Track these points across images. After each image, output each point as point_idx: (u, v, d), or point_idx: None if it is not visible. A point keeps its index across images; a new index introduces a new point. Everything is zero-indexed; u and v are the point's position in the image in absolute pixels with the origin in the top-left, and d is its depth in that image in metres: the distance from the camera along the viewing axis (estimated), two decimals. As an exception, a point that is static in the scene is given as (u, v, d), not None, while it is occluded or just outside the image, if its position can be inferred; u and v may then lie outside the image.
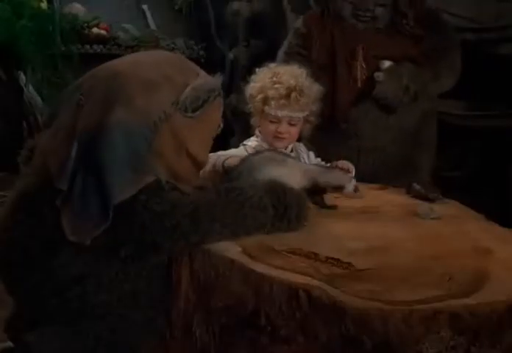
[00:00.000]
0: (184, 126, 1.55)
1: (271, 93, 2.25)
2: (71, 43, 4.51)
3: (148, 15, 5.08)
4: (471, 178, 3.20)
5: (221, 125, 1.74)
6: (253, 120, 2.42)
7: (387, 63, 2.71)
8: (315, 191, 1.90)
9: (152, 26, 5.10)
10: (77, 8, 4.72)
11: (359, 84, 2.72)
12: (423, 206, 1.89)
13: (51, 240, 1.46)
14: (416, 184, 2.12)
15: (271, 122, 2.32)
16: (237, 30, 4.44)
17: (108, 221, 1.41)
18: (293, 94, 2.25)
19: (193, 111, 1.56)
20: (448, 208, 1.98)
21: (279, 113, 2.27)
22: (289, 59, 2.78)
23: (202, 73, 1.65)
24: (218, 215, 1.50)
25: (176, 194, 1.49)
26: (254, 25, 4.36)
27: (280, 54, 2.97)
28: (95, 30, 4.68)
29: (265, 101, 2.27)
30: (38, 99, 4.32)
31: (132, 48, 4.82)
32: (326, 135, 2.74)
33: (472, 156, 3.12)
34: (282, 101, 2.24)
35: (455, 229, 1.74)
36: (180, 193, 1.50)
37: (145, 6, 5.09)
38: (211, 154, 2.00)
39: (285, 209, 1.60)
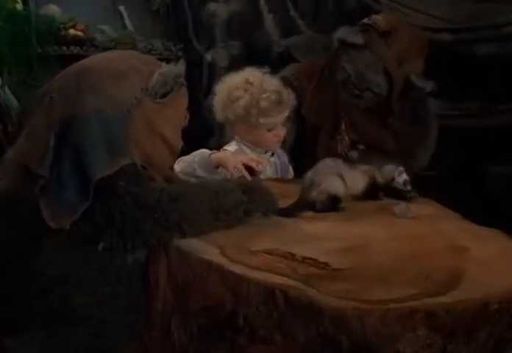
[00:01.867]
0: (154, 111, 1.62)
1: (263, 104, 2.24)
2: (47, 45, 4.46)
3: (125, 16, 5.05)
4: (448, 177, 3.22)
5: (188, 116, 1.79)
6: (231, 132, 2.42)
7: (360, 146, 2.62)
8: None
9: (129, 27, 5.07)
10: (53, 9, 4.67)
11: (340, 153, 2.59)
12: (400, 205, 1.90)
13: (31, 240, 1.47)
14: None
15: (269, 130, 2.32)
16: (214, 31, 4.43)
17: (87, 202, 1.44)
18: (284, 95, 2.26)
19: (162, 97, 1.63)
20: (425, 207, 1.99)
21: (277, 119, 2.28)
22: None
23: (164, 64, 1.71)
24: (195, 196, 1.56)
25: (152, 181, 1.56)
26: (232, 26, 4.35)
27: None
28: (71, 31, 4.63)
29: (262, 113, 2.26)
30: (14, 101, 4.28)
31: (109, 50, 4.79)
32: None
33: (449, 155, 3.13)
34: (279, 107, 2.26)
35: (432, 228, 1.75)
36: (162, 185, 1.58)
37: (122, 8, 5.06)
38: (182, 158, 2.01)
39: (248, 187, 1.69)
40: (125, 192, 1.46)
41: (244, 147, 2.41)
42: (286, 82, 2.55)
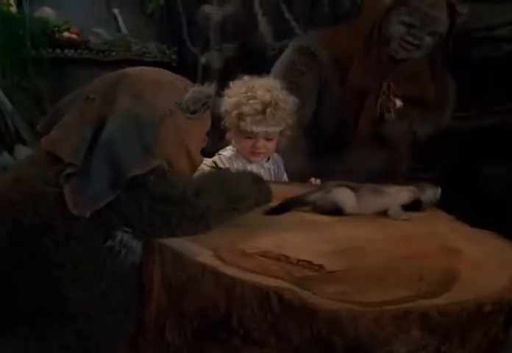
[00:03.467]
0: (184, 125, 1.68)
1: (246, 109, 2.23)
2: (42, 47, 4.47)
3: (120, 19, 5.05)
4: (443, 179, 3.23)
5: (207, 139, 1.84)
6: (228, 135, 2.41)
7: (398, 103, 2.67)
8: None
9: (124, 30, 5.07)
10: (47, 12, 4.67)
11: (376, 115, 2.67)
12: (394, 207, 1.90)
13: (47, 222, 1.49)
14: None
15: (248, 138, 2.31)
16: (208, 34, 4.44)
17: (114, 195, 1.49)
18: (269, 109, 2.23)
19: (192, 113, 1.69)
20: (419, 209, 1.99)
21: (255, 129, 2.26)
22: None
23: (196, 84, 1.77)
24: (214, 189, 1.64)
25: (181, 180, 1.62)
26: (226, 28, 4.36)
27: (277, 70, 2.83)
28: (66, 34, 4.63)
29: (241, 117, 2.25)
30: (8, 104, 4.28)
31: (104, 53, 4.79)
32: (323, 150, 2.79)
33: (443, 157, 3.15)
34: (258, 117, 2.23)
35: (425, 230, 1.76)
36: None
37: (116, 11, 5.06)
38: None
39: (256, 178, 1.81)
40: (153, 186, 1.53)
41: (239, 154, 2.40)
42: (306, 52, 2.64)
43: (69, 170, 1.51)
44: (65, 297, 1.49)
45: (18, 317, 1.51)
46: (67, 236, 1.48)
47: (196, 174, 1.80)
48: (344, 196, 1.87)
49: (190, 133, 1.70)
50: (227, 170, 1.85)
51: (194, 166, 1.77)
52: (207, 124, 1.81)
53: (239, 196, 1.68)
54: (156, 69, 1.79)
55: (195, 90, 1.70)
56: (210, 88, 1.74)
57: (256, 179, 1.81)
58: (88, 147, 1.54)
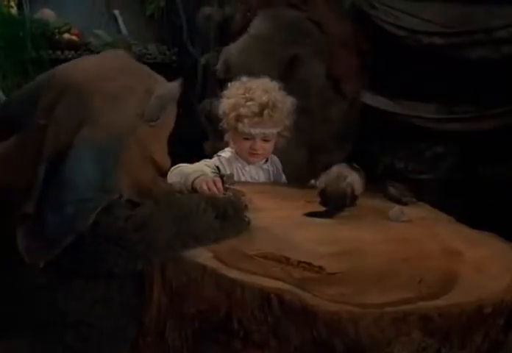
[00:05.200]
0: (147, 135, 1.53)
1: (243, 110, 2.24)
2: (42, 49, 4.46)
3: (120, 20, 5.04)
4: (442, 181, 3.23)
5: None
6: (226, 136, 2.41)
7: None
8: None
9: (124, 31, 5.06)
10: (48, 13, 4.67)
11: None
12: (394, 209, 1.90)
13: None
14: (392, 187, 2.14)
15: (245, 139, 2.32)
16: (209, 35, 4.43)
17: (71, 239, 1.37)
18: (266, 111, 2.24)
19: (155, 120, 1.54)
20: (419, 211, 2.00)
21: (253, 131, 2.27)
22: None
23: (159, 78, 1.62)
24: (161, 222, 1.50)
25: (124, 213, 1.47)
26: (226, 30, 4.35)
27: None
28: (66, 36, 4.63)
29: (238, 118, 2.26)
30: (9, 105, 4.28)
31: (104, 54, 4.79)
32: None
33: (442, 159, 3.14)
34: (256, 119, 2.24)
35: (425, 232, 1.76)
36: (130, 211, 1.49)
37: (116, 12, 5.05)
38: (175, 167, 2.01)
39: (224, 210, 1.64)
40: (94, 221, 1.40)
41: (238, 155, 2.41)
42: None
43: (24, 211, 1.39)
44: (62, 310, 1.46)
45: (18, 324, 1.50)
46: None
47: (151, 203, 1.59)
48: (357, 180, 1.98)
49: (156, 139, 1.57)
50: (190, 198, 1.68)
51: (161, 170, 1.64)
52: (172, 120, 1.64)
53: (192, 233, 1.54)
54: (109, 68, 1.56)
55: (159, 96, 1.54)
56: (175, 88, 1.59)
57: (224, 212, 1.64)
58: (43, 186, 1.40)
